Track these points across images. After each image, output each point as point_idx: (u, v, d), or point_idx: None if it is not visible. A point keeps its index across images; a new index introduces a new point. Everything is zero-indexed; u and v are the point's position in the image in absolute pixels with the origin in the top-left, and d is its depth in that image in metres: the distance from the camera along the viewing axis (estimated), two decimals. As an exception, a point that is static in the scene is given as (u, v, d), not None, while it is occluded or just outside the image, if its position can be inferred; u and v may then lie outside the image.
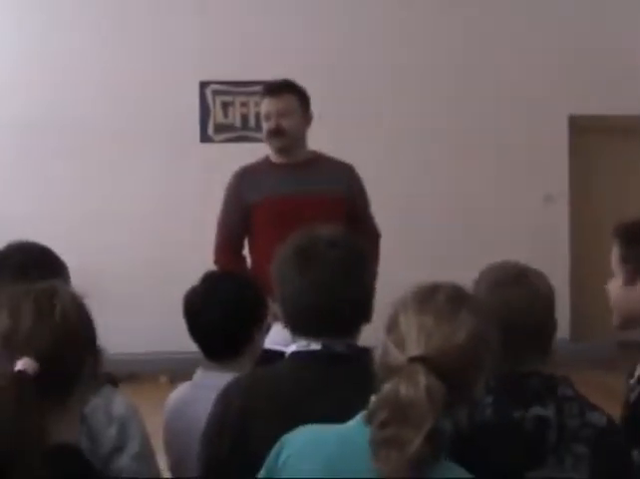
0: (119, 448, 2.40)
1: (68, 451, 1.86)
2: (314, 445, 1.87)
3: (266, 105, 4.59)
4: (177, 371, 3.50)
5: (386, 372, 1.79)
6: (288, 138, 4.55)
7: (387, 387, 1.74)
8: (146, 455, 2.48)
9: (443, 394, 1.70)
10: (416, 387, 1.70)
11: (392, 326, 1.85)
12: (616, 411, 2.62)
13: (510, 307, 2.23)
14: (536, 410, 2.18)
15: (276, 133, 4.53)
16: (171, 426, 2.89)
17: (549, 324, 2.32)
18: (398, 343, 1.81)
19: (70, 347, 1.87)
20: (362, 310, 2.29)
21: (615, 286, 2.65)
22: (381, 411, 1.73)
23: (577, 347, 8.71)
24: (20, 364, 1.76)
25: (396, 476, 1.67)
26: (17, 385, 1.73)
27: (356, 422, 1.85)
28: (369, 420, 1.76)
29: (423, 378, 1.70)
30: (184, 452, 2.67)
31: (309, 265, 2.23)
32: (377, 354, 1.87)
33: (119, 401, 2.49)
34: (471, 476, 1.82)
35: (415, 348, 1.77)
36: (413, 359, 1.74)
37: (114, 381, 2.58)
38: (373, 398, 1.80)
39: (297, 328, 2.28)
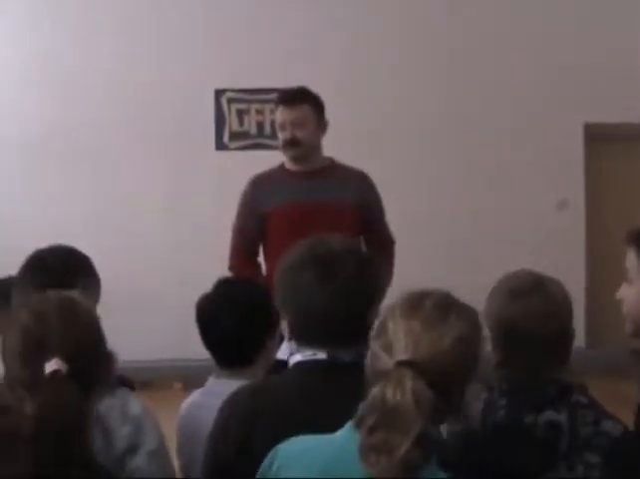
0: (133, 447, 2.41)
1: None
2: (306, 453, 1.88)
3: (281, 114, 4.60)
4: (192, 378, 3.50)
5: (375, 377, 1.80)
6: (303, 148, 4.57)
7: (374, 392, 1.75)
8: (161, 453, 2.49)
9: (430, 398, 1.71)
10: (402, 391, 1.71)
11: (380, 332, 1.88)
12: (630, 419, 2.61)
13: (527, 316, 2.23)
14: (549, 415, 2.18)
15: (291, 143, 4.55)
16: (183, 431, 2.90)
17: (567, 333, 2.32)
18: (386, 348, 1.82)
19: (90, 351, 1.95)
20: (369, 319, 2.27)
21: (632, 294, 2.61)
22: (369, 416, 1.74)
23: (592, 355, 8.67)
24: (53, 364, 1.81)
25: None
26: (60, 384, 1.81)
27: (346, 428, 1.86)
28: (357, 425, 1.78)
29: (410, 382, 1.71)
30: (194, 457, 2.68)
31: (326, 276, 2.22)
32: (367, 360, 1.89)
33: (134, 402, 2.51)
34: None
35: (402, 353, 1.78)
36: (400, 364, 1.75)
37: (130, 384, 2.60)
38: (361, 404, 1.81)
39: (304, 338, 2.27)
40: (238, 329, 2.87)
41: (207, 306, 2.97)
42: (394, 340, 1.82)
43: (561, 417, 2.18)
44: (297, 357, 2.27)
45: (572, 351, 2.41)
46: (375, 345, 1.86)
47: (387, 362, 1.79)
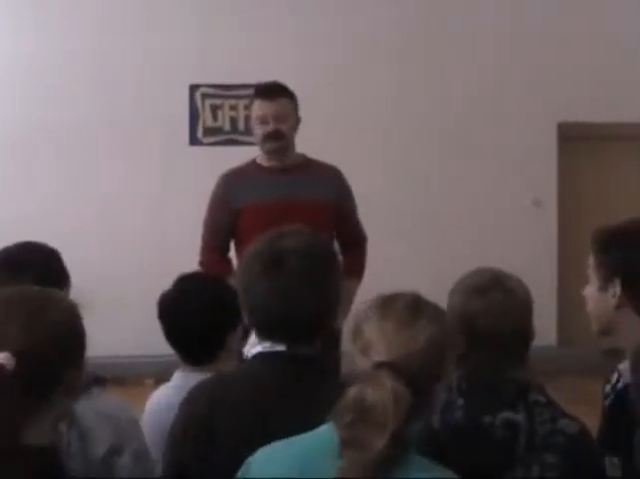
0: (117, 448, 2.39)
1: (38, 452, 1.86)
2: (280, 451, 1.88)
3: (261, 108, 4.57)
4: (163, 374, 3.49)
5: (352, 378, 1.82)
6: (285, 141, 4.56)
7: (353, 390, 1.77)
8: (145, 452, 2.48)
9: (408, 398, 1.73)
10: (382, 391, 1.73)
11: (356, 335, 1.91)
12: (598, 417, 2.62)
13: (486, 313, 2.23)
14: (507, 415, 2.18)
15: (275, 136, 4.52)
16: (150, 426, 2.88)
17: (526, 331, 2.32)
18: (363, 350, 1.86)
19: (52, 353, 1.88)
20: (324, 317, 2.28)
21: (590, 293, 2.64)
22: (346, 413, 1.76)
23: (564, 353, 8.72)
24: (0, 358, 1.78)
25: (358, 476, 1.69)
26: None
27: (325, 426, 1.86)
28: (334, 422, 1.79)
29: (389, 383, 1.74)
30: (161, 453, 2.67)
31: (271, 272, 2.21)
32: (346, 363, 1.93)
33: (109, 400, 2.50)
34: (448, 476, 1.84)
35: (379, 354, 1.81)
36: (379, 365, 1.78)
37: (101, 381, 2.57)
38: (338, 404, 1.81)
39: (260, 332, 2.28)
40: (200, 325, 2.87)
41: (169, 303, 2.97)
42: (370, 342, 1.85)
43: (519, 417, 2.19)
44: (257, 348, 2.27)
45: (544, 350, 2.41)
46: (353, 348, 1.90)
47: (365, 364, 1.82)
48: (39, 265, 2.66)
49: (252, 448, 1.93)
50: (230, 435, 2.09)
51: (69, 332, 1.95)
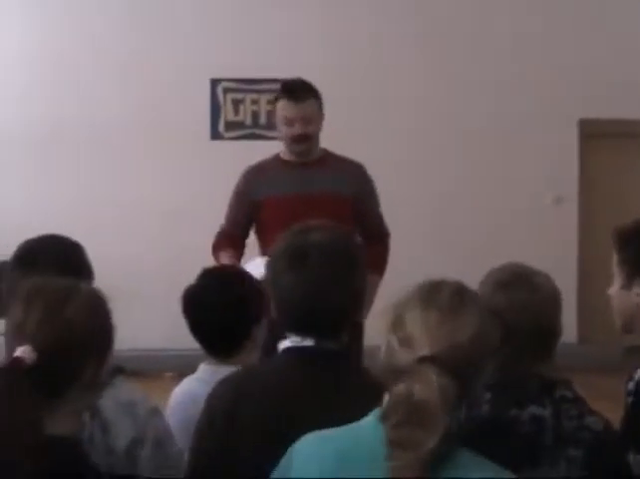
0: (138, 440, 2.39)
1: (61, 443, 1.86)
2: (321, 445, 1.85)
3: (289, 110, 4.54)
4: (183, 368, 3.51)
5: (392, 372, 1.78)
6: (310, 142, 4.57)
7: (400, 388, 1.72)
8: (164, 439, 2.48)
9: (454, 394, 1.70)
10: (429, 388, 1.68)
11: (397, 325, 1.83)
12: (619, 414, 2.62)
13: (514, 308, 2.22)
14: (533, 410, 2.18)
15: (302, 139, 4.53)
16: (176, 420, 2.89)
17: (553, 326, 2.31)
18: (404, 342, 1.79)
19: (71, 346, 1.88)
20: (349, 311, 2.29)
21: (614, 290, 2.64)
22: (395, 412, 1.71)
23: (584, 350, 8.69)
24: (19, 351, 1.79)
25: (410, 476, 1.66)
26: (10, 371, 1.76)
27: (366, 421, 1.83)
28: (383, 420, 1.75)
29: (435, 379, 1.69)
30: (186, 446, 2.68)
31: (297, 266, 2.22)
32: (382, 353, 1.85)
33: (129, 391, 2.49)
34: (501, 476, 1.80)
35: (424, 348, 1.75)
36: (423, 359, 1.73)
37: (121, 371, 2.57)
38: (386, 398, 1.78)
39: (288, 325, 2.28)
40: (225, 318, 2.88)
41: (193, 297, 2.98)
42: (413, 334, 1.79)
43: (546, 412, 2.18)
44: (286, 343, 2.27)
45: (564, 347, 2.40)
46: (392, 339, 1.82)
47: (407, 357, 1.76)
48: (60, 258, 2.64)
49: (278, 443, 1.92)
50: (256, 429, 2.09)
51: (88, 326, 1.92)
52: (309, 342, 2.22)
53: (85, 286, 2.04)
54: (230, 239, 4.68)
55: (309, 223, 2.35)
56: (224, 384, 2.33)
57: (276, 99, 4.67)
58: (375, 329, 2.29)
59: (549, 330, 2.30)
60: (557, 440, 2.15)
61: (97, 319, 1.97)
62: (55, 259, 2.62)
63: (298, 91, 4.58)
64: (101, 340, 1.97)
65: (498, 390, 2.20)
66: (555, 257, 8.37)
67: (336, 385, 2.00)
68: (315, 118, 4.57)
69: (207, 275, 3.07)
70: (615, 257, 2.62)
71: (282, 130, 4.59)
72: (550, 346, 2.30)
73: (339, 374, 2.19)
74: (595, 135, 9.32)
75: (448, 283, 1.89)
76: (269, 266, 2.32)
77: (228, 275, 3.18)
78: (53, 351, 1.84)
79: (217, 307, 2.89)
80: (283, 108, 4.57)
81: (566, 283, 8.73)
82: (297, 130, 4.52)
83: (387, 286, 4.25)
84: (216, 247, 4.65)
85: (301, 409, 2.09)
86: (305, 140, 4.55)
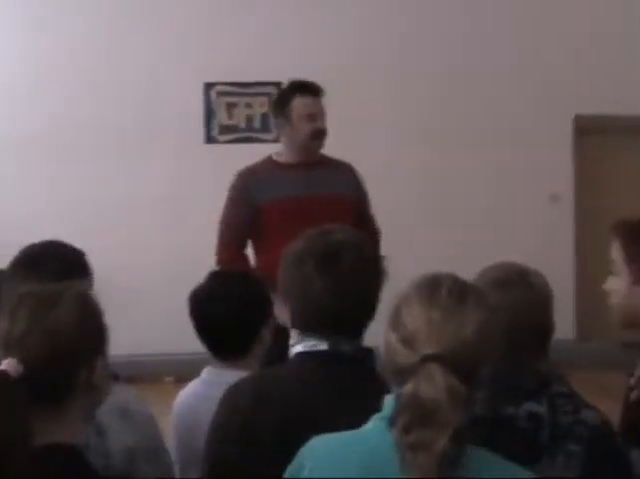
0: (132, 447, 2.38)
1: (62, 450, 1.86)
2: (339, 454, 1.82)
3: (311, 105, 4.54)
4: (183, 372, 3.51)
5: (395, 372, 1.75)
6: (325, 139, 4.61)
7: (406, 390, 1.68)
8: (157, 452, 2.48)
9: (462, 392, 1.66)
10: (436, 388, 1.65)
11: (397, 323, 1.79)
12: (617, 409, 2.62)
13: (508, 306, 2.22)
14: (529, 406, 2.18)
15: (323, 135, 4.56)
16: (182, 423, 2.89)
17: (547, 323, 2.31)
18: (406, 341, 1.74)
19: (57, 355, 1.86)
20: (371, 312, 2.28)
21: (619, 286, 2.61)
22: (402, 415, 1.67)
23: (582, 347, 8.70)
24: (4, 364, 1.77)
25: (426, 477, 1.63)
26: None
27: (376, 426, 1.80)
28: (391, 424, 1.71)
29: (441, 378, 1.65)
30: (192, 449, 2.67)
31: (326, 268, 2.21)
32: (382, 353, 1.82)
33: (125, 396, 2.48)
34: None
35: (427, 346, 1.71)
36: (427, 358, 1.69)
37: (116, 378, 2.57)
38: (389, 400, 1.77)
39: (305, 328, 2.25)
40: (234, 320, 2.87)
41: (202, 299, 2.97)
42: (414, 332, 1.74)
43: (542, 408, 2.18)
44: (298, 348, 2.25)
45: (562, 344, 2.41)
46: (391, 337, 1.78)
47: (409, 356, 1.72)
48: (61, 264, 2.64)
49: (295, 447, 1.89)
50: (273, 433, 2.07)
51: (74, 332, 1.89)
52: (323, 346, 2.21)
53: (70, 291, 1.99)
54: (235, 252, 4.66)
55: (326, 226, 2.34)
56: (240, 387, 2.29)
57: (286, 98, 4.63)
58: (371, 329, 2.30)
59: (544, 327, 2.30)
60: (554, 436, 2.15)
61: (84, 324, 1.93)
62: (57, 265, 2.62)
63: (316, 87, 4.59)
64: (90, 344, 1.94)
65: (494, 387, 2.21)
66: (552, 254, 8.40)
67: (354, 388, 1.98)
68: (325, 115, 4.61)
69: (216, 276, 3.07)
70: (619, 253, 2.58)
71: (301, 126, 4.54)
72: (545, 343, 2.31)
73: (356, 378, 2.18)
74: (590, 131, 9.33)
75: (445, 278, 1.84)
76: (288, 269, 2.29)
77: (237, 276, 3.18)
78: (39, 361, 1.82)
79: (227, 308, 2.88)
80: (305, 104, 4.54)
81: (563, 281, 8.78)
82: (320, 124, 4.53)
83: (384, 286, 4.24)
84: (224, 264, 4.61)
85: (318, 413, 2.08)
86: (324, 135, 4.57)
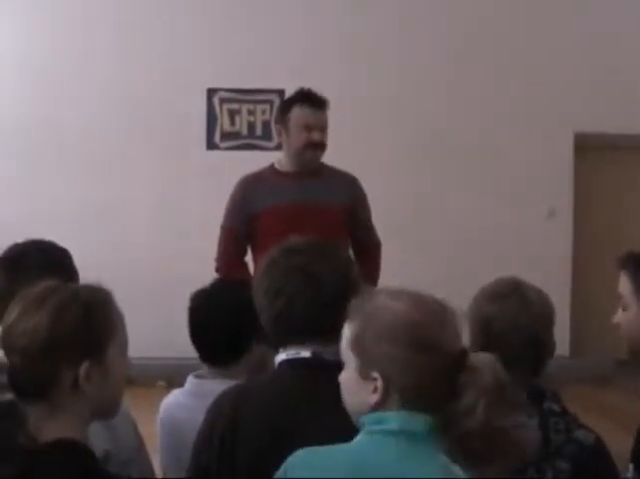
0: (110, 453, 2.36)
1: (65, 446, 1.85)
2: (326, 465, 1.82)
3: (310, 116, 4.53)
4: (175, 376, 3.50)
5: None
6: (323, 152, 4.60)
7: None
8: (140, 458, 2.46)
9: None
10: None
11: None
12: (610, 426, 2.61)
13: (502, 317, 2.23)
14: (520, 420, 2.18)
15: (319, 147, 4.55)
16: (164, 433, 2.88)
17: (544, 341, 2.32)
18: None
19: (33, 352, 1.86)
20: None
21: (628, 318, 2.59)
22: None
23: (576, 364, 8.69)
24: None
25: None
26: None
27: (361, 436, 1.82)
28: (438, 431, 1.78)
29: None
30: (176, 458, 2.66)
31: (305, 279, 2.25)
32: None
33: None
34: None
35: None
36: None
37: None
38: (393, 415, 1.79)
39: (283, 337, 2.28)
40: (231, 328, 2.86)
41: (202, 302, 2.97)
42: None
43: (532, 423, 2.18)
44: (282, 356, 2.27)
45: (557, 360, 2.40)
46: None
47: None
48: (47, 262, 2.65)
49: (277, 456, 1.89)
50: (255, 445, 2.08)
51: (55, 330, 1.88)
52: (306, 354, 2.23)
53: (62, 292, 1.98)
54: (234, 260, 4.67)
55: (295, 238, 2.37)
56: (224, 398, 2.31)
57: (287, 106, 4.64)
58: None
59: (539, 344, 2.30)
60: (544, 453, 2.15)
61: (63, 326, 1.90)
62: (41, 264, 2.62)
63: (320, 100, 4.59)
64: (71, 347, 1.90)
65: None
66: (549, 270, 8.40)
67: (336, 396, 2.00)
68: (326, 128, 4.61)
69: (219, 284, 3.08)
70: (627, 284, 2.58)
71: (296, 136, 4.54)
72: (540, 360, 2.31)
73: (337, 384, 2.19)
74: (590, 148, 9.34)
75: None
76: (261, 281, 2.33)
77: (237, 283, 3.18)
78: (17, 358, 1.85)
79: (225, 314, 2.88)
80: (303, 114, 4.53)
81: (560, 296, 8.78)
82: (315, 137, 4.52)
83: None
84: (224, 271, 4.61)
85: (301, 423, 2.08)
86: (320, 148, 4.56)
